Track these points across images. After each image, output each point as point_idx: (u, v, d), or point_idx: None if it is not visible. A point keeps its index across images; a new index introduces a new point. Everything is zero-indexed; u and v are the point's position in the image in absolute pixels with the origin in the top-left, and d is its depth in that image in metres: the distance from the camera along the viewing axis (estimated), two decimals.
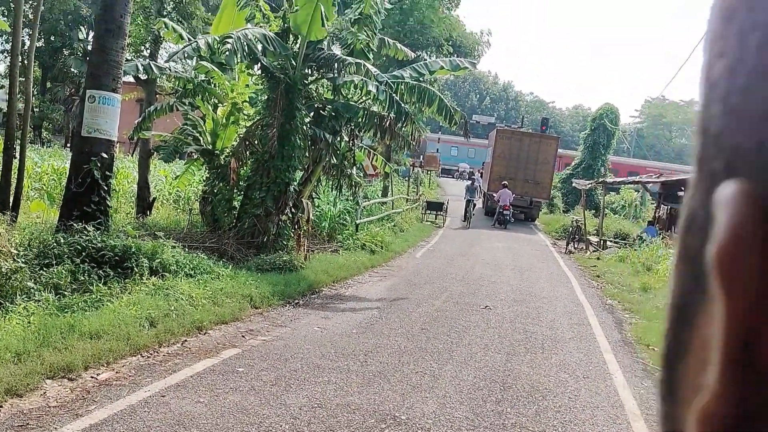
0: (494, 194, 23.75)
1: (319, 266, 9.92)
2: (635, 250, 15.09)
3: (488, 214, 25.77)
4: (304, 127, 10.30)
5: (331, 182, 12.18)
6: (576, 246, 18.73)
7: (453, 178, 50.34)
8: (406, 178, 30.38)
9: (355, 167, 12.13)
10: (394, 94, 10.25)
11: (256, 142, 10.20)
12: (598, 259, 15.72)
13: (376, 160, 14.39)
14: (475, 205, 22.64)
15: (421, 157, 42.15)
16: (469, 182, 25.55)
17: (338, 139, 11.59)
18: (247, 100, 10.75)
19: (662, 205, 20.39)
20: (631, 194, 30.89)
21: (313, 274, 9.34)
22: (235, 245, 9.62)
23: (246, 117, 11.12)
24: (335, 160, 11.40)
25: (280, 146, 9.86)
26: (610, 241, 18.98)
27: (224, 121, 10.70)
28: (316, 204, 13.50)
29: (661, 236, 16.28)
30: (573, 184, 21.64)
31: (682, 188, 22.86)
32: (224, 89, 10.87)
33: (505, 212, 22.19)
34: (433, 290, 9.78)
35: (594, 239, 19.16)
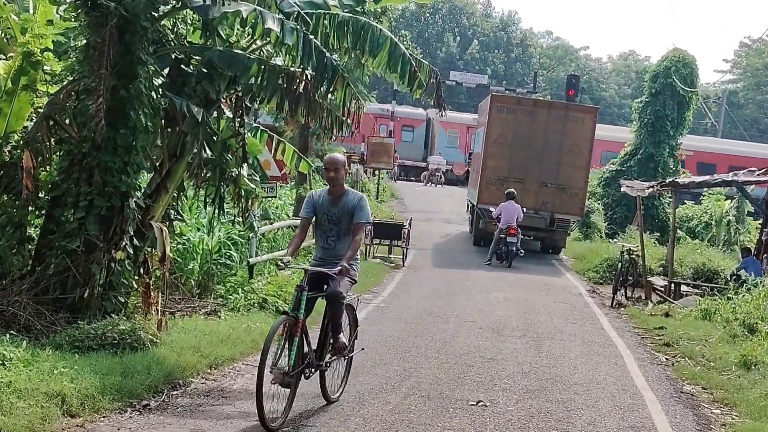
0: (490, 209, 24.31)
1: (185, 340, 9.86)
2: (729, 298, 15.73)
3: (480, 243, 26.28)
4: (153, 95, 10.28)
5: (203, 192, 12.15)
6: (629, 294, 19.33)
7: (422, 181, 50.98)
8: None
9: (246, 164, 12.16)
10: (312, 36, 10.41)
11: (67, 121, 10.10)
12: (667, 315, 16.28)
13: (284, 152, 14.48)
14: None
15: (362, 145, 42.74)
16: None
17: (214, 114, 11.59)
18: (51, 47, 10.67)
19: None
20: (721, 204, 32.22)
21: (174, 354, 9.29)
22: (33, 305, 9.43)
23: (50, 78, 11.02)
24: (210, 152, 11.39)
25: (111, 129, 9.80)
26: (687, 285, 19.71)
27: (8, 85, 10.57)
28: (177, 230, 13.42)
29: None
30: (622, 189, 22.34)
31: None
32: (7, 28, 10.69)
33: (509, 240, 22.72)
34: (387, 376, 9.85)
35: (659, 282, 19.84)
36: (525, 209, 23.57)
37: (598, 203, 32.59)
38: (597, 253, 24.71)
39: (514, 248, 22.74)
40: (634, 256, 19.82)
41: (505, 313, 15.36)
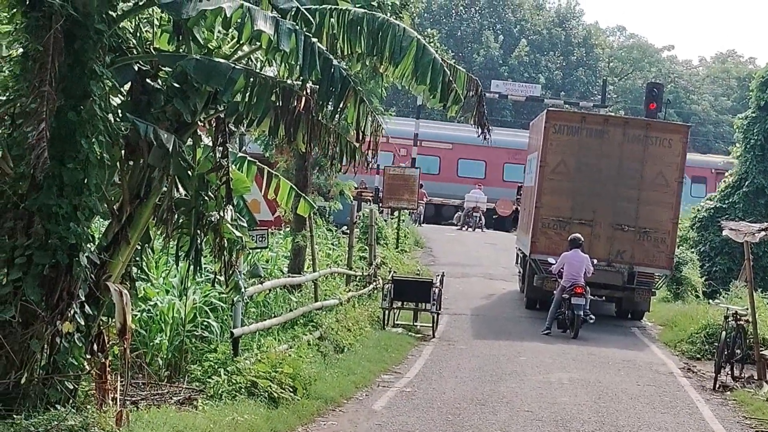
0: (549, 259, 24.21)
1: None
2: None
3: (535, 306, 26.19)
4: (111, 118, 10.41)
5: (174, 243, 12.22)
6: (738, 373, 19.12)
7: (455, 224, 50.93)
8: (343, 228, 30.63)
9: (230, 206, 12.24)
10: (315, 39, 10.54)
11: (0, 154, 10.22)
12: None
13: (277, 190, 14.57)
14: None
15: (378, 177, 42.59)
16: None
17: (189, 142, 11.69)
18: None
19: None
20: None
21: None
22: None
23: None
24: (184, 191, 11.47)
25: (57, 163, 9.89)
26: None
27: None
28: (141, 293, 13.48)
29: None
30: (724, 233, 22.27)
31: None
32: None
33: (575, 301, 22.58)
34: None
35: None
36: (595, 261, 23.50)
37: (692, 252, 32.43)
38: (692, 319, 24.48)
39: (581, 313, 22.56)
40: (742, 323, 19.59)
41: (571, 400, 15.28)
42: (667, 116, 50.44)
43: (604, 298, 26.39)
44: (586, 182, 25.56)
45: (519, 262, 30.92)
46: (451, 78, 11.67)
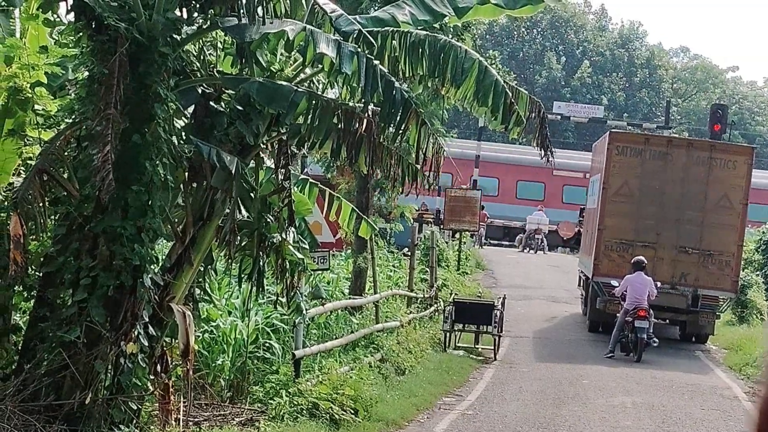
0: (611, 283, 24.03)
1: None
2: None
3: (598, 329, 26.01)
4: (175, 140, 10.49)
5: (237, 265, 12.28)
6: None
7: (516, 247, 50.77)
8: (404, 249, 30.62)
9: (292, 228, 12.28)
10: (377, 62, 10.57)
11: (65, 176, 10.32)
12: None
13: (339, 212, 14.59)
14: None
15: (439, 198, 42.66)
16: None
17: (252, 164, 11.75)
18: (45, 80, 10.95)
19: None
20: None
21: None
22: (20, 415, 9.53)
23: (42, 121, 11.26)
24: (246, 214, 11.53)
25: (121, 185, 9.97)
26: None
27: None
28: (204, 315, 13.56)
29: None
30: None
31: None
32: None
33: (638, 324, 22.40)
34: None
35: None
36: (659, 284, 23.28)
37: (757, 275, 32.08)
38: (757, 342, 24.25)
39: (645, 336, 22.37)
40: None
41: (634, 423, 15.15)
42: (731, 138, 49.92)
43: (667, 321, 26.15)
44: (649, 204, 25.34)
45: (581, 284, 30.72)
46: (512, 100, 11.63)
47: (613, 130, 30.27)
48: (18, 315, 11.02)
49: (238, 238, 11.72)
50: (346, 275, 23.58)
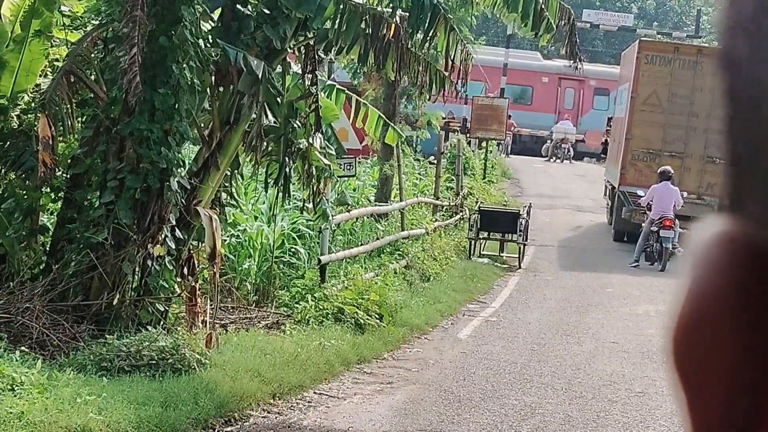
0: (637, 192, 23.92)
1: (242, 361, 9.99)
2: None
3: (623, 238, 25.99)
4: (202, 44, 10.45)
5: (263, 169, 12.29)
6: None
7: (543, 156, 50.51)
8: (430, 157, 30.56)
9: (319, 134, 12.26)
10: None
11: (93, 78, 10.31)
12: None
13: (366, 118, 14.55)
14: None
15: (466, 107, 42.32)
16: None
17: (279, 69, 11.70)
18: None
19: None
20: None
21: (227, 378, 9.43)
22: (48, 315, 9.66)
23: (69, 22, 11.24)
24: (273, 119, 11.52)
25: (149, 88, 9.97)
26: None
27: (16, 30, 10.83)
28: (230, 219, 13.62)
29: None
30: None
31: None
32: None
33: (663, 234, 22.34)
34: (503, 413, 9.86)
35: None
36: (685, 194, 23.18)
37: None
38: None
39: (670, 245, 22.36)
40: None
41: (657, 332, 15.17)
42: None
43: None
44: (677, 114, 25.10)
45: (607, 194, 30.61)
46: (543, 6, 11.49)
47: (642, 38, 29.89)
48: (46, 216, 11.09)
49: (265, 143, 11.71)
50: (372, 182, 23.61)
